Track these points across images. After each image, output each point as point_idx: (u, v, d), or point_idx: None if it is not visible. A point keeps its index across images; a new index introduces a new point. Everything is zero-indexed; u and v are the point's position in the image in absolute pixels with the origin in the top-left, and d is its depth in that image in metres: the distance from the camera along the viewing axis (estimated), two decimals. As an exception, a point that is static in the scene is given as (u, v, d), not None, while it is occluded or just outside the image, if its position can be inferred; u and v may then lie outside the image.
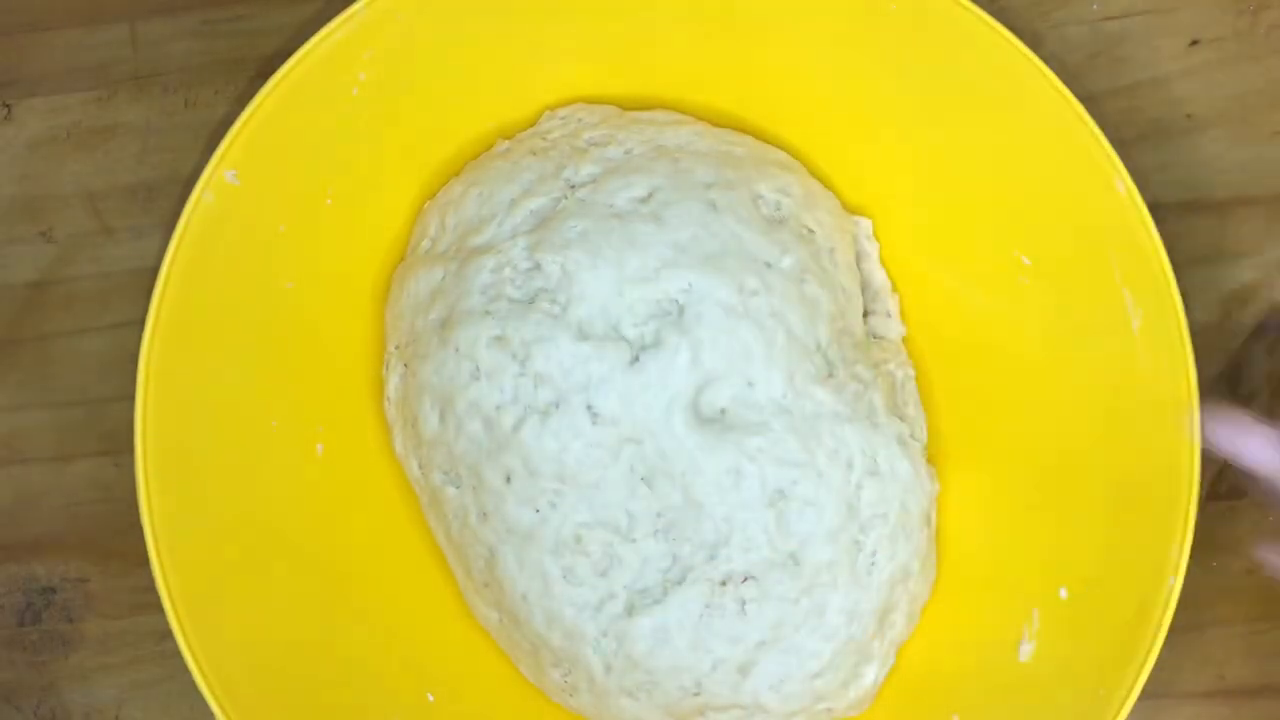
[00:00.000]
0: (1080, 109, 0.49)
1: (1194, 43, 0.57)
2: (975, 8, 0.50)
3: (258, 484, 0.51)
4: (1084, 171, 0.49)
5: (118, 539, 0.55)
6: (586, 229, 0.50)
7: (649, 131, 0.53)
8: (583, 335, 0.49)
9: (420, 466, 0.52)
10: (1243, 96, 0.57)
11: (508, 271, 0.50)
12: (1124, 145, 0.50)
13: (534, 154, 0.53)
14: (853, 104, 0.53)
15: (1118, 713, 0.46)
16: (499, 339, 0.49)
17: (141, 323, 0.49)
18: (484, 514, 0.50)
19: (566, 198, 0.51)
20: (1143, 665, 0.46)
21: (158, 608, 0.47)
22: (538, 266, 0.50)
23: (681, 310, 0.49)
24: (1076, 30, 0.57)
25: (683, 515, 0.49)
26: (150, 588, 0.48)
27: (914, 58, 0.51)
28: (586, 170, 0.52)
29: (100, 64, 0.58)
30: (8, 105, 0.58)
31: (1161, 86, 0.57)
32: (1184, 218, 0.56)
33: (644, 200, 0.51)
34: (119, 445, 0.56)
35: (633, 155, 0.52)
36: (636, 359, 0.49)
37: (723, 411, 0.49)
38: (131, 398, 0.48)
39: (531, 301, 0.50)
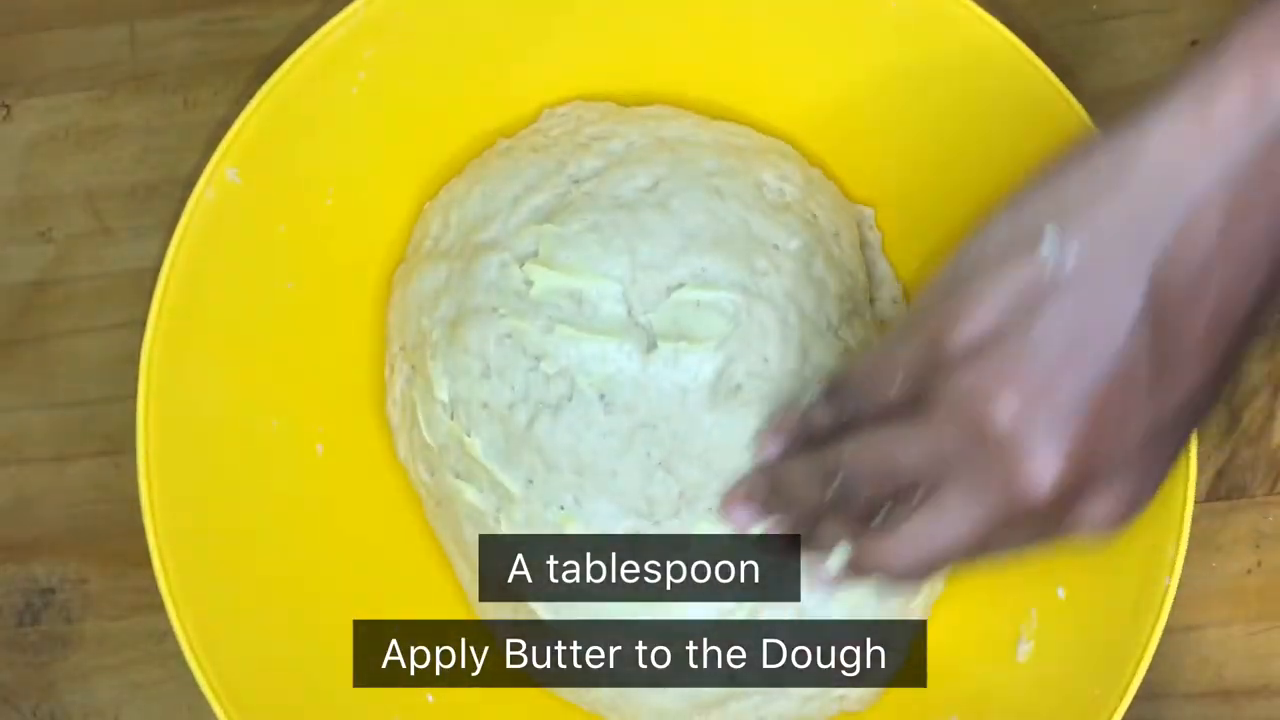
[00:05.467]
0: (1078, 107, 0.49)
1: (1194, 43, 0.57)
2: (974, 6, 0.50)
3: (258, 484, 0.51)
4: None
5: (117, 539, 0.55)
6: (595, 221, 0.50)
7: (650, 125, 0.53)
8: (595, 327, 0.49)
9: (430, 469, 0.51)
10: (1242, 96, 0.57)
11: (514, 268, 0.50)
12: (1123, 145, 0.50)
13: (535, 151, 0.53)
14: (850, 100, 0.53)
15: (1114, 712, 0.46)
16: (509, 335, 0.49)
17: (141, 323, 0.49)
18: (505, 514, 0.50)
19: (571, 192, 0.51)
20: (1138, 664, 0.46)
21: (157, 608, 0.47)
22: (546, 262, 0.50)
23: (695, 295, 0.49)
24: (1076, 30, 0.57)
25: (708, 489, 0.48)
26: (149, 588, 0.48)
27: (912, 56, 0.51)
28: (589, 164, 0.52)
29: (99, 64, 0.58)
30: (7, 105, 0.58)
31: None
32: (1183, 218, 0.56)
33: (649, 190, 0.51)
34: (119, 446, 0.56)
35: (635, 147, 0.52)
36: (654, 345, 0.49)
37: (738, 388, 0.49)
38: (131, 398, 0.48)
39: (541, 295, 0.49)
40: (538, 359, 0.49)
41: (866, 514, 0.42)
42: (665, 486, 0.49)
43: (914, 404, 0.39)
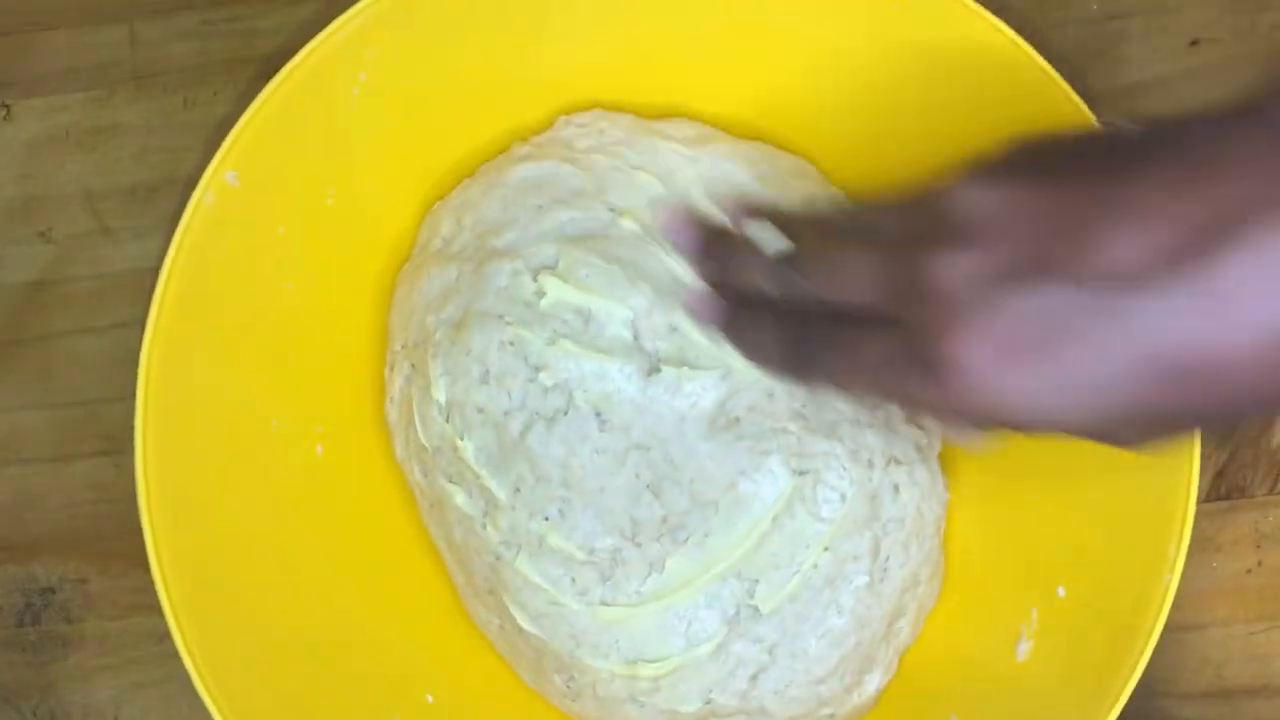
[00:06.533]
0: (1086, 110, 0.49)
1: (1194, 43, 0.57)
2: (980, 9, 0.50)
3: (257, 485, 0.51)
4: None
5: (117, 539, 0.55)
6: (635, 257, 0.49)
7: (703, 161, 0.52)
8: (599, 346, 0.49)
9: (423, 470, 0.51)
10: (1243, 97, 0.57)
11: (526, 277, 0.50)
12: (1124, 145, 0.50)
13: (564, 163, 0.52)
14: (856, 106, 0.53)
15: (1110, 709, 0.46)
16: (511, 343, 0.49)
17: (140, 323, 0.49)
18: (490, 520, 0.50)
19: (615, 223, 0.50)
20: (1136, 662, 0.46)
21: (157, 608, 0.47)
22: (564, 276, 0.49)
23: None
24: (1076, 30, 0.57)
25: (691, 519, 0.48)
26: (149, 588, 0.48)
27: (918, 58, 0.51)
28: (633, 199, 0.51)
29: (100, 64, 0.58)
30: (7, 105, 0.58)
31: (1161, 86, 0.57)
32: (1184, 218, 0.56)
33: None
34: (119, 445, 0.56)
35: (685, 193, 0.51)
36: (657, 370, 0.48)
37: (736, 420, 0.49)
38: (131, 398, 0.48)
39: (550, 308, 0.49)
40: (537, 369, 0.49)
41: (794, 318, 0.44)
42: (650, 510, 0.48)
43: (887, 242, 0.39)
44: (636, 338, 0.49)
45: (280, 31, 0.58)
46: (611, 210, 0.51)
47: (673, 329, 0.49)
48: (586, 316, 0.49)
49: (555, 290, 0.49)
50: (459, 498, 0.50)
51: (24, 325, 0.57)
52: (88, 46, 0.59)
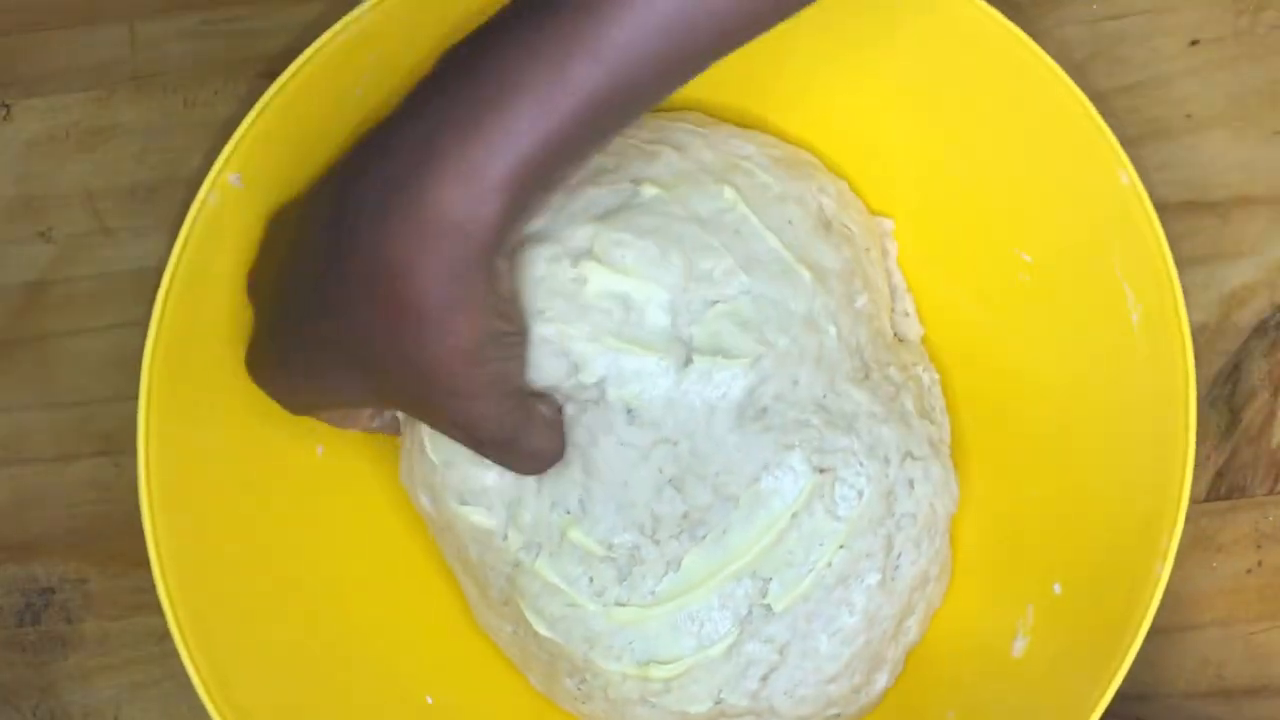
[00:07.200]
0: (1085, 100, 0.49)
1: (1194, 43, 0.57)
2: (982, 3, 0.50)
3: (257, 485, 0.50)
4: (1086, 163, 0.49)
5: (117, 539, 0.55)
6: (663, 227, 0.48)
7: (716, 138, 0.51)
8: (640, 339, 0.47)
9: (431, 497, 0.50)
10: (1243, 96, 0.57)
11: (566, 262, 0.47)
12: (1124, 145, 0.50)
13: None
14: (861, 101, 0.53)
15: (1098, 702, 0.45)
16: (547, 340, 0.47)
17: (141, 323, 0.49)
18: (514, 519, 0.48)
19: (637, 194, 0.49)
20: (1127, 651, 0.45)
21: (157, 608, 0.47)
22: (600, 259, 0.48)
23: (741, 310, 0.48)
24: (1076, 30, 0.57)
25: (712, 514, 0.48)
26: (149, 588, 0.47)
27: (919, 50, 0.51)
28: (654, 170, 0.50)
29: (99, 64, 0.58)
30: (7, 105, 0.58)
31: (1162, 86, 0.57)
32: (1184, 217, 0.56)
33: (728, 210, 0.49)
34: (119, 445, 0.56)
35: (705, 163, 0.51)
36: (690, 360, 0.48)
37: (764, 410, 0.48)
38: (131, 398, 0.48)
39: (594, 298, 0.47)
40: (577, 367, 0.47)
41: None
42: (672, 505, 0.48)
43: None
44: (674, 323, 0.48)
45: (281, 32, 0.58)
46: (632, 181, 0.49)
47: (710, 303, 0.48)
48: (627, 303, 0.47)
49: (598, 277, 0.47)
50: (477, 516, 0.49)
51: (24, 325, 0.57)
52: (88, 46, 0.59)
